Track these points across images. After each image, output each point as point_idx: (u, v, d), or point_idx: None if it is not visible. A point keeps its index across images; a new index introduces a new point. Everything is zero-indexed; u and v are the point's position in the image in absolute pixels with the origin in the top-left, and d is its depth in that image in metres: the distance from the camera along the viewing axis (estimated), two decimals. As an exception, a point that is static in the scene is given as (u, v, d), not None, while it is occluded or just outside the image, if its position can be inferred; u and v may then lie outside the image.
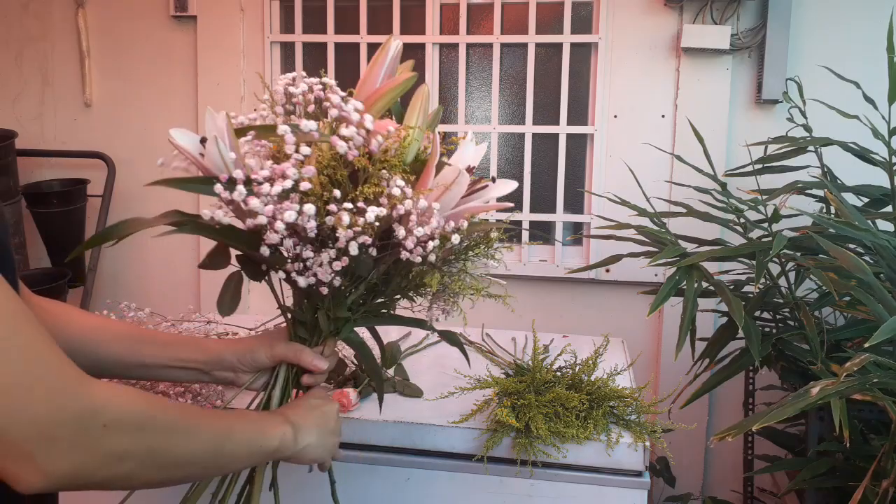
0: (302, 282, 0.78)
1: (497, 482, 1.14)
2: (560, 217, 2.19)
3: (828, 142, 1.53)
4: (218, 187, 0.72)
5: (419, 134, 0.81)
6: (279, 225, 0.71)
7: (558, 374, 1.22)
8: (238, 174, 0.72)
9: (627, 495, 1.12)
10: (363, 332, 0.94)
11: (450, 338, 0.97)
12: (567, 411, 1.12)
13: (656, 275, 2.03)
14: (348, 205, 0.72)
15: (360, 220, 0.72)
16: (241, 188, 0.72)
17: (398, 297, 0.90)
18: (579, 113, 2.17)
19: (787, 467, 1.56)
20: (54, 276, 2.23)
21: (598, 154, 2.14)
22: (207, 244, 0.85)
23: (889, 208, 1.51)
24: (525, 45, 2.16)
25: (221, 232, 0.78)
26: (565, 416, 1.11)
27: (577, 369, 1.22)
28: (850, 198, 1.52)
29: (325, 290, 0.78)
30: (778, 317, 1.54)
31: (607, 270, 2.13)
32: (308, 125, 0.73)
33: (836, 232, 1.31)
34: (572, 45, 2.13)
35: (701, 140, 1.53)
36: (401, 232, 0.75)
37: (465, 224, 0.80)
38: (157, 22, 2.33)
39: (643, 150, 2.02)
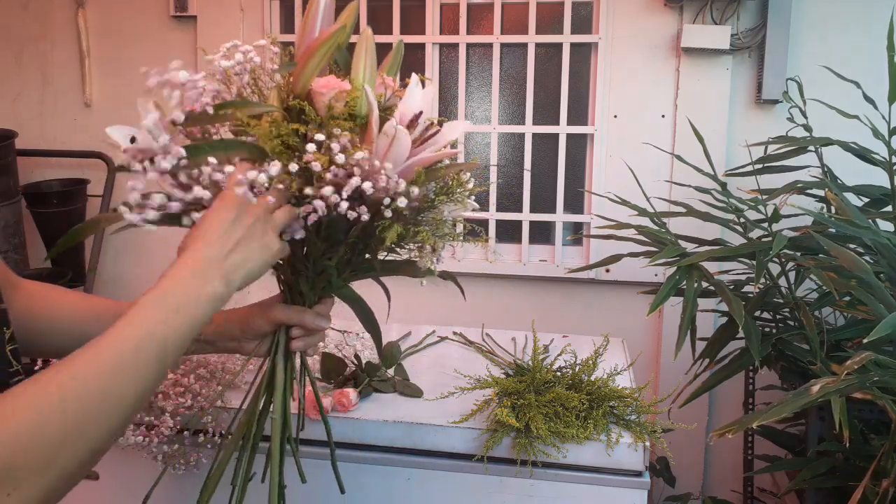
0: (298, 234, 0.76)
1: (497, 482, 1.14)
2: (560, 217, 2.19)
3: (828, 142, 1.53)
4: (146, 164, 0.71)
5: (371, 81, 0.76)
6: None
7: (558, 374, 1.22)
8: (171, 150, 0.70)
9: (627, 495, 1.12)
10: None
11: (447, 276, 0.93)
12: (567, 411, 1.12)
13: (656, 275, 2.03)
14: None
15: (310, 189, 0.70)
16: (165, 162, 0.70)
17: (385, 252, 0.86)
18: (579, 113, 2.17)
19: (787, 467, 1.56)
20: (54, 276, 2.23)
21: (598, 154, 2.14)
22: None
23: (889, 208, 1.51)
24: (525, 45, 2.16)
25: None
26: (565, 416, 1.11)
27: (577, 369, 1.22)
28: (851, 198, 1.52)
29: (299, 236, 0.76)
30: (778, 317, 1.54)
31: (607, 270, 2.13)
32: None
33: (836, 231, 1.31)
34: (572, 45, 2.13)
35: (701, 140, 1.53)
36: (351, 187, 0.70)
37: (423, 175, 0.75)
38: (157, 22, 2.34)
39: (643, 150, 2.02)
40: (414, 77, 0.78)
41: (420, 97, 0.77)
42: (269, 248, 0.71)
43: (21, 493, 0.49)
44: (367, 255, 0.85)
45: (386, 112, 0.78)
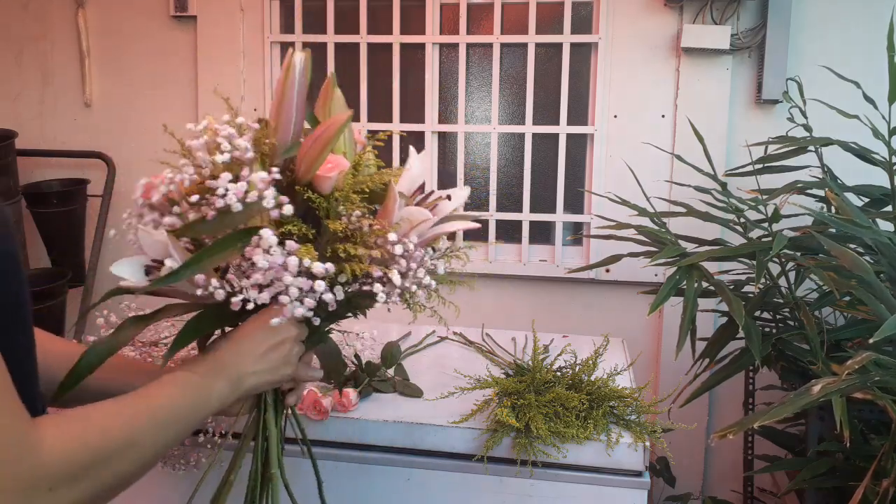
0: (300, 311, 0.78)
1: (497, 482, 1.14)
2: (560, 217, 2.19)
3: (828, 142, 1.53)
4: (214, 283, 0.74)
5: (350, 147, 0.84)
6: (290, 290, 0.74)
7: (558, 374, 1.22)
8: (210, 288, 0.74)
9: (627, 495, 1.12)
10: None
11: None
12: (567, 411, 1.12)
13: (656, 275, 2.03)
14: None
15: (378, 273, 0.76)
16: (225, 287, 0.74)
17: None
18: (579, 113, 2.17)
19: (787, 467, 1.56)
20: (54, 276, 2.23)
21: (598, 154, 2.13)
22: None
23: (889, 208, 1.51)
24: (525, 45, 2.16)
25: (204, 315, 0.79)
26: (565, 416, 1.11)
27: (577, 369, 1.22)
28: (851, 198, 1.52)
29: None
30: (778, 317, 1.54)
31: (607, 270, 2.13)
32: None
33: (836, 231, 1.31)
34: (572, 45, 2.13)
35: (701, 140, 1.53)
36: (396, 277, 0.77)
37: (444, 243, 0.86)
38: (157, 22, 2.33)
39: (643, 150, 2.02)
40: (412, 150, 0.86)
41: (419, 168, 0.85)
42: (286, 369, 0.81)
43: (54, 495, 0.56)
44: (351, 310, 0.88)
45: (365, 177, 0.84)
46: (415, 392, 1.27)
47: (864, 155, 1.50)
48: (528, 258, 2.22)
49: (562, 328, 1.70)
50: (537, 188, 2.21)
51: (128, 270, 0.78)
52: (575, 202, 2.22)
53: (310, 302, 0.75)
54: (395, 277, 0.77)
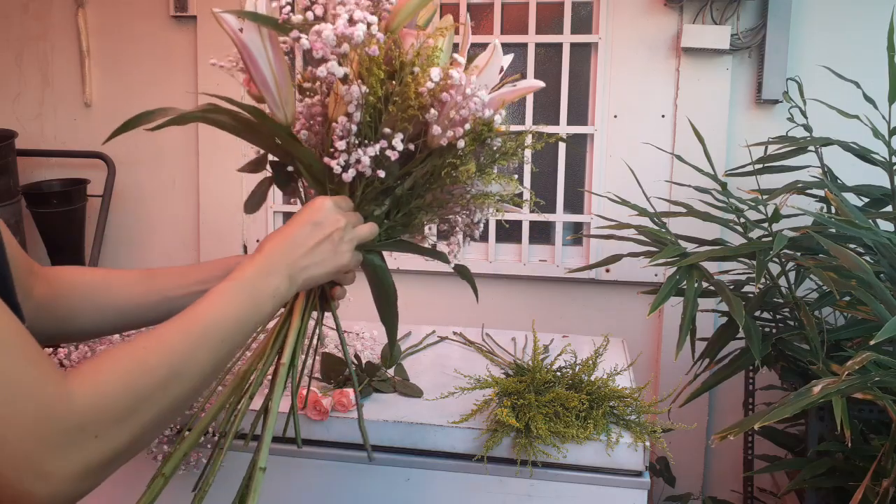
0: (347, 175, 0.77)
1: (497, 482, 1.14)
2: (560, 217, 2.19)
3: (828, 142, 1.53)
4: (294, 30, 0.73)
5: (446, 55, 0.82)
6: (354, 90, 0.72)
7: (558, 374, 1.22)
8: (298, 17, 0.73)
9: (627, 495, 1.12)
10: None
11: (462, 272, 0.93)
12: (567, 411, 1.12)
13: (656, 275, 2.03)
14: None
15: (438, 72, 0.74)
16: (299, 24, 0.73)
17: (424, 212, 0.86)
18: (579, 113, 2.17)
19: (787, 467, 1.56)
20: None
21: (598, 154, 2.13)
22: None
23: (889, 208, 1.51)
24: (525, 45, 2.16)
25: (247, 123, 0.77)
26: (565, 416, 1.11)
27: (577, 369, 1.22)
28: (851, 198, 1.52)
29: (368, 172, 0.77)
30: (778, 317, 1.54)
31: (607, 270, 2.13)
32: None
33: (836, 231, 1.31)
34: (572, 45, 2.13)
35: (701, 140, 1.53)
36: (450, 99, 0.75)
37: (503, 112, 0.81)
38: (157, 22, 2.33)
39: (643, 150, 2.02)
40: (495, 41, 0.86)
41: (501, 57, 0.86)
42: (339, 259, 0.77)
43: (102, 441, 0.54)
44: (408, 218, 0.85)
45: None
46: (415, 392, 1.27)
47: (864, 155, 1.50)
48: (528, 258, 2.22)
49: (562, 328, 1.71)
50: (537, 188, 2.21)
51: (230, 19, 0.74)
52: (575, 202, 2.22)
53: (363, 158, 0.74)
54: (455, 73, 0.74)
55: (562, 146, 2.15)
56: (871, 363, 1.03)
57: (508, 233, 2.25)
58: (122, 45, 2.37)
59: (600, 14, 2.09)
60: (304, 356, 0.85)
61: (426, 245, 0.90)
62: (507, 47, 2.37)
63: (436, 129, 0.76)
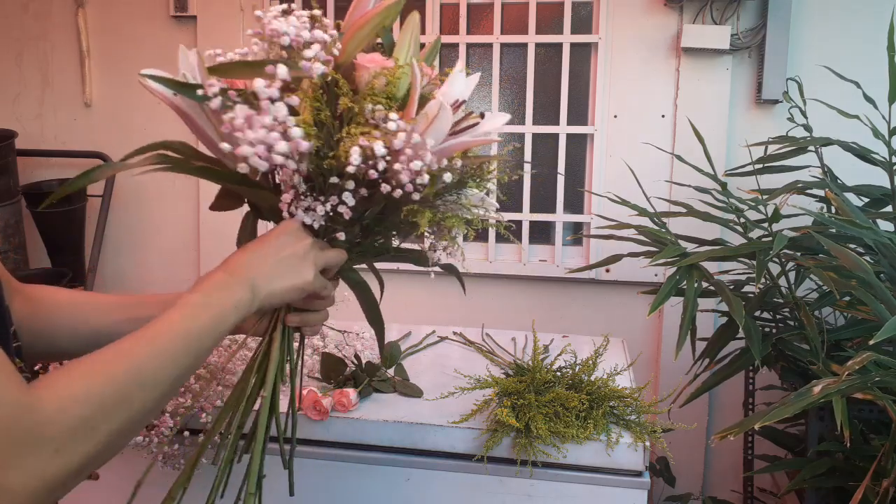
0: (307, 219, 0.76)
1: (497, 482, 1.14)
2: (560, 217, 2.19)
3: (828, 142, 1.53)
4: (201, 91, 0.71)
5: (407, 68, 0.76)
6: (279, 147, 0.69)
7: (558, 374, 1.22)
8: (214, 90, 0.70)
9: (627, 495, 1.12)
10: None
11: (449, 268, 0.93)
12: (567, 411, 1.12)
13: (656, 275, 2.03)
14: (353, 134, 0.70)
15: (358, 151, 0.69)
16: (217, 100, 0.70)
17: (394, 233, 0.85)
18: (579, 113, 2.17)
19: (787, 467, 1.56)
20: (54, 276, 2.23)
21: (598, 154, 2.14)
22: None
23: (889, 208, 1.51)
24: (525, 45, 2.16)
25: (209, 171, 0.76)
26: (565, 416, 1.11)
27: (577, 369, 1.22)
28: (851, 198, 1.52)
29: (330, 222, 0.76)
30: (778, 317, 1.54)
31: (607, 270, 2.13)
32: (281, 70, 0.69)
33: (836, 231, 1.31)
34: (572, 45, 2.13)
35: (701, 140, 1.53)
36: (397, 165, 0.70)
37: (459, 162, 0.76)
38: (157, 22, 2.34)
39: (643, 150, 2.02)
40: (458, 65, 0.79)
41: (463, 84, 0.78)
42: (302, 275, 0.76)
43: (62, 455, 0.52)
44: (379, 240, 0.84)
45: (424, 99, 0.77)
46: (415, 392, 1.27)
47: (864, 155, 1.50)
48: (528, 258, 2.22)
49: (562, 328, 1.71)
50: (537, 188, 2.21)
51: (156, 81, 0.74)
52: (575, 202, 2.22)
53: (319, 209, 0.72)
54: (378, 147, 0.69)
55: (562, 146, 2.15)
56: (871, 363, 1.03)
57: (509, 233, 2.24)
58: (122, 45, 2.37)
59: (600, 14, 2.09)
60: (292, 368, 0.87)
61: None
62: (507, 47, 2.37)
63: (384, 187, 0.73)
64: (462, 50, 2.19)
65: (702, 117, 1.95)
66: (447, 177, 0.74)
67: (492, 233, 2.22)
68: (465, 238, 0.87)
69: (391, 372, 1.32)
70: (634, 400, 1.17)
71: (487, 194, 0.84)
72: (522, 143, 2.19)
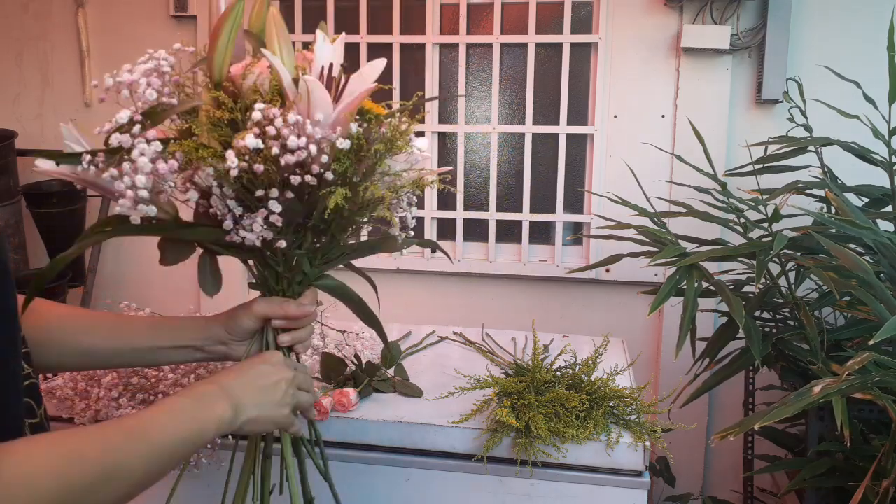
0: (251, 236, 0.76)
1: (497, 482, 1.14)
2: (560, 217, 2.19)
3: (828, 142, 1.53)
4: (86, 157, 0.75)
5: (289, 60, 0.76)
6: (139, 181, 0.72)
7: (558, 374, 1.22)
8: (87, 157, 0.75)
9: (627, 495, 1.12)
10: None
11: (427, 243, 0.96)
12: (567, 411, 1.12)
13: (656, 275, 2.03)
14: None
15: (232, 153, 0.70)
16: (91, 168, 0.74)
17: (347, 231, 0.85)
18: (579, 113, 2.17)
19: (787, 467, 1.56)
20: (54, 277, 2.23)
21: (598, 154, 2.14)
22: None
23: (889, 208, 1.51)
24: (525, 45, 2.16)
25: (147, 227, 0.78)
26: (565, 416, 1.11)
27: (577, 369, 1.22)
28: (851, 198, 1.52)
29: (258, 243, 0.76)
30: (778, 317, 1.54)
31: (607, 270, 2.13)
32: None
33: (836, 231, 1.31)
34: (572, 45, 2.13)
35: (701, 140, 1.53)
36: (275, 150, 0.70)
37: (354, 126, 0.75)
38: (157, 22, 2.33)
39: (643, 150, 2.02)
40: (319, 32, 0.78)
41: (329, 50, 0.77)
42: (281, 410, 0.80)
43: None
44: (343, 239, 0.84)
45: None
46: (415, 392, 1.27)
47: (864, 155, 1.50)
48: (528, 258, 2.22)
49: (562, 328, 1.70)
50: (537, 188, 2.21)
51: (48, 165, 0.77)
52: (575, 202, 2.22)
53: (255, 226, 0.73)
54: (250, 140, 0.69)
55: (562, 146, 2.15)
56: (871, 363, 1.03)
57: (509, 233, 2.25)
58: (122, 45, 2.37)
59: (600, 14, 2.09)
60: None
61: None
62: (507, 47, 2.38)
63: (294, 179, 0.72)
64: (462, 50, 2.19)
65: (702, 117, 1.95)
66: (342, 143, 0.73)
67: (492, 233, 2.22)
68: (421, 206, 0.87)
69: (391, 372, 1.32)
70: (634, 400, 1.17)
71: (411, 153, 0.83)
72: (522, 143, 2.20)
